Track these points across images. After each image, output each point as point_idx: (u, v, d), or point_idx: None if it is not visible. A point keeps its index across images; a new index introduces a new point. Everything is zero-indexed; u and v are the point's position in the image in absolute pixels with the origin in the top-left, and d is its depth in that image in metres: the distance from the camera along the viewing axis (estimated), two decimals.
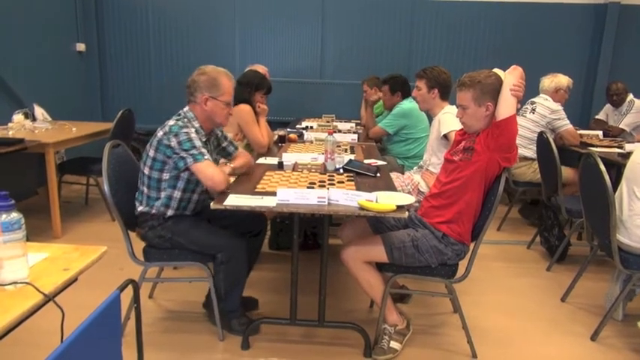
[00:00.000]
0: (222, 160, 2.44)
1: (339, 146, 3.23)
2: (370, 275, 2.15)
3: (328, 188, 2.02)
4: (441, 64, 3.00)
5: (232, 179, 2.22)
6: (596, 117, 4.92)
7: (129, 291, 1.25)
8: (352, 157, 2.84)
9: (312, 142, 3.46)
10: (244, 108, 3.00)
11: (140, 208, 2.21)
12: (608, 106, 4.79)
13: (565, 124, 3.82)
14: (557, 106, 3.84)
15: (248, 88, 3.01)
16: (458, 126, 2.32)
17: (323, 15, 5.56)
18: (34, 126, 3.89)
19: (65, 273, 1.22)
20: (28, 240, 1.17)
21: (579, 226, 3.07)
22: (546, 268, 3.28)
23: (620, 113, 4.64)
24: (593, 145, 3.82)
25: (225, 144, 2.45)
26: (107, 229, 3.74)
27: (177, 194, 2.20)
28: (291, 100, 5.64)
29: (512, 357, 2.27)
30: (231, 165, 2.33)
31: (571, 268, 3.08)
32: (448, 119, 2.76)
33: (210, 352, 2.20)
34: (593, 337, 2.42)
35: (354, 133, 3.95)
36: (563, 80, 3.92)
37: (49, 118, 4.28)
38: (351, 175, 2.39)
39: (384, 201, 1.87)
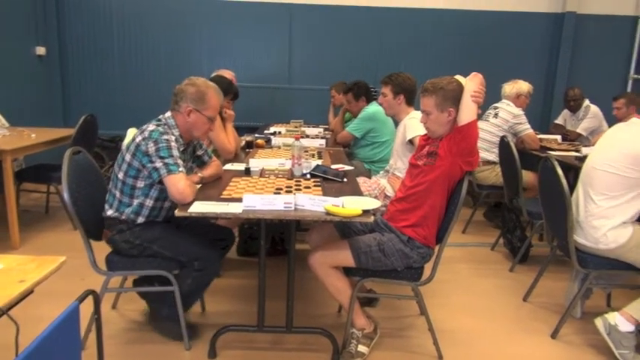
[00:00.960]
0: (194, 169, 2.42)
1: (307, 151, 3.24)
2: (337, 280, 2.16)
3: (295, 194, 2.02)
4: (407, 71, 3.06)
5: (198, 187, 2.20)
6: (555, 122, 5.11)
7: (91, 302, 1.22)
8: (319, 162, 2.85)
9: (279, 147, 3.46)
10: None
11: (110, 212, 2.17)
12: (566, 111, 4.98)
13: (526, 129, 3.94)
14: (519, 111, 3.96)
15: None
16: (423, 131, 2.36)
17: (290, 21, 5.58)
18: None
19: (20, 285, 1.18)
20: None
21: (540, 227, 3.18)
22: (509, 269, 3.37)
23: (577, 118, 4.83)
24: (552, 149, 3.96)
25: (200, 152, 2.43)
26: (68, 239, 3.63)
27: (149, 203, 2.16)
28: (259, 105, 5.63)
29: (477, 357, 2.32)
30: (200, 174, 2.30)
31: (533, 269, 3.17)
32: (413, 124, 2.81)
33: None
34: (554, 335, 2.50)
35: (322, 138, 3.97)
36: (523, 86, 4.05)
37: (7, 124, 4.13)
38: (318, 180, 2.40)
39: (350, 206, 1.89)
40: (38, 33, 5.25)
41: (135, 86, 5.55)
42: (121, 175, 2.13)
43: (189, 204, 1.91)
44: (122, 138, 3.00)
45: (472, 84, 2.02)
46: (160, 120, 2.18)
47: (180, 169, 2.02)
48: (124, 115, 5.29)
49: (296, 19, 5.59)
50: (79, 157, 2.24)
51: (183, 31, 5.54)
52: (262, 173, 2.52)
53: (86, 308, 1.12)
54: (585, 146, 4.04)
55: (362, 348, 2.20)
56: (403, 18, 5.58)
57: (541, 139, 4.21)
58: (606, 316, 2.30)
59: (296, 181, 2.35)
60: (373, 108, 3.79)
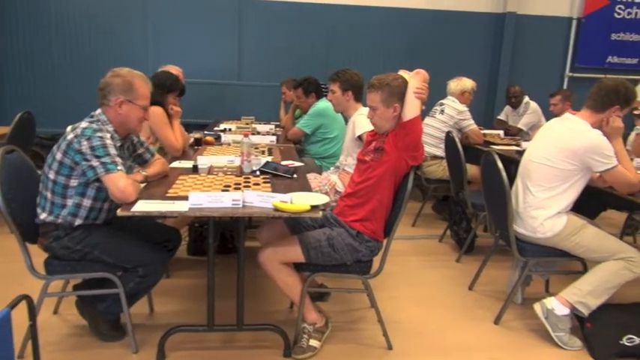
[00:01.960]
0: (136, 168, 2.34)
1: (257, 148, 3.22)
2: (288, 276, 2.16)
3: (243, 191, 2.01)
4: (356, 67, 3.09)
5: (142, 186, 2.14)
6: (498, 117, 5.33)
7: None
8: (269, 158, 2.84)
9: (229, 144, 3.42)
10: (156, 110, 2.89)
11: (43, 216, 2.06)
12: (507, 107, 5.20)
13: (470, 124, 4.09)
14: (463, 107, 4.10)
15: (160, 90, 2.90)
16: (371, 127, 2.40)
17: (240, 16, 5.51)
18: None
19: None
20: None
21: (484, 219, 3.31)
22: (456, 260, 3.49)
23: (518, 114, 5.06)
24: (495, 144, 4.12)
25: (141, 150, 2.35)
26: (4, 243, 3.43)
27: (87, 203, 2.07)
28: (208, 102, 5.53)
29: (425, 345, 2.39)
30: (144, 172, 2.23)
31: (478, 258, 3.29)
32: (362, 121, 2.84)
33: None
34: (497, 321, 2.61)
35: (273, 135, 3.96)
36: (467, 83, 4.19)
37: None
38: (268, 177, 2.39)
39: (298, 202, 1.89)
40: None
41: (76, 83, 5.30)
42: (52, 175, 2.03)
43: (133, 203, 1.86)
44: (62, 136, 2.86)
45: (415, 81, 2.07)
46: (92, 117, 2.09)
47: (119, 167, 1.95)
48: (64, 113, 5.03)
49: (245, 15, 5.52)
50: (12, 156, 2.12)
51: (127, 25, 5.35)
52: (210, 170, 2.48)
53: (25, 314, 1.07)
54: (525, 141, 4.22)
55: (313, 342, 2.22)
56: (351, 15, 5.63)
57: (485, 134, 4.38)
58: (544, 301, 2.43)
59: (245, 178, 2.33)
60: (323, 104, 3.81)
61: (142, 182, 2.15)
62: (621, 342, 2.29)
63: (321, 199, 1.95)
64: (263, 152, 3.13)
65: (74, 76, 5.33)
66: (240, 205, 1.86)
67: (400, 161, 2.10)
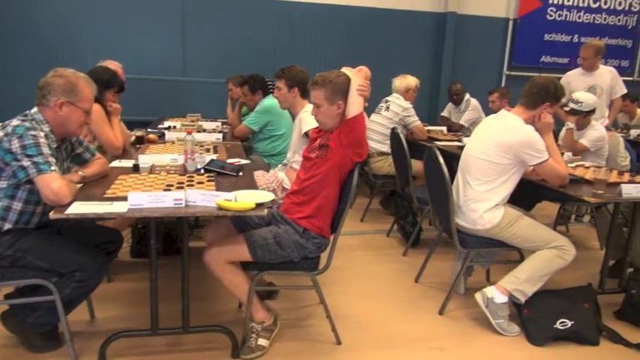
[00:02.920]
0: (74, 168, 2.23)
1: (202, 146, 3.15)
2: (234, 275, 2.13)
3: (186, 190, 1.96)
4: (302, 64, 3.08)
5: (79, 186, 2.04)
6: (441, 114, 5.50)
7: None
8: (215, 156, 2.79)
9: (173, 142, 3.32)
10: (94, 107, 2.76)
11: None
12: (450, 104, 5.38)
13: (415, 121, 4.19)
14: (408, 104, 4.20)
15: (97, 86, 2.77)
16: (317, 124, 2.41)
17: (183, 10, 5.37)
18: None
19: None
20: None
21: (429, 212, 3.40)
22: (403, 253, 3.57)
23: (459, 111, 5.24)
24: (438, 140, 4.25)
25: (80, 150, 2.23)
26: None
27: (17, 206, 1.95)
28: (152, 98, 5.36)
29: (373, 338, 2.43)
30: (81, 173, 2.13)
31: (424, 251, 3.37)
32: (309, 117, 2.83)
33: None
34: (441, 311, 2.70)
35: (220, 132, 3.89)
36: (411, 81, 4.29)
37: None
38: (212, 175, 2.34)
39: (243, 200, 1.87)
40: None
41: (10, 79, 4.98)
42: None
43: (68, 205, 1.77)
44: None
45: (357, 78, 2.09)
46: (25, 115, 1.97)
47: (53, 167, 1.85)
48: None
49: (189, 9, 5.39)
50: None
51: (63, 19, 5.08)
52: (152, 170, 2.40)
53: None
54: (467, 137, 4.37)
55: (262, 341, 2.20)
56: (297, 12, 5.63)
57: (429, 131, 4.50)
58: (484, 290, 2.54)
59: (189, 177, 2.27)
60: (269, 101, 3.78)
61: (79, 183, 2.05)
62: (555, 326, 2.43)
63: (266, 196, 1.94)
64: (208, 150, 3.07)
65: (8, 74, 5.00)
66: (183, 205, 1.81)
67: (345, 158, 2.12)
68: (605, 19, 6.38)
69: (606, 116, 4.44)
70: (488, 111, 4.68)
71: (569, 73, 4.55)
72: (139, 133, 3.32)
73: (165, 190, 2.02)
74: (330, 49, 5.68)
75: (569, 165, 3.08)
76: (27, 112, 1.99)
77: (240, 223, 2.28)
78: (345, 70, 2.18)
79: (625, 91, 4.51)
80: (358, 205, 4.59)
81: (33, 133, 1.87)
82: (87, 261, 2.02)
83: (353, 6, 5.74)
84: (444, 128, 4.85)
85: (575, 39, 6.35)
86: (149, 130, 3.71)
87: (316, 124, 2.38)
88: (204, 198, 1.84)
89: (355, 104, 2.08)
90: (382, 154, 4.13)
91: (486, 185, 2.52)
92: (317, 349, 2.32)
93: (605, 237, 2.93)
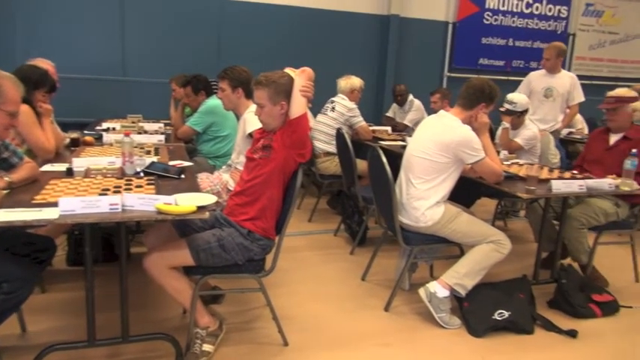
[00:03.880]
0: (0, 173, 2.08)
1: (142, 148, 3.05)
2: (176, 281, 2.08)
3: (123, 194, 1.88)
4: (246, 64, 3.04)
5: (5, 193, 1.91)
6: (386, 114, 5.61)
7: None
8: (156, 159, 2.71)
9: (111, 144, 3.19)
10: (22, 108, 2.59)
11: None
12: (394, 104, 5.51)
13: (359, 121, 4.25)
14: (353, 105, 4.25)
15: (25, 86, 2.61)
16: (259, 125, 2.38)
17: (122, 7, 5.17)
18: None
19: None
20: None
21: (374, 211, 3.46)
22: (350, 252, 3.61)
23: (404, 111, 5.38)
24: (383, 139, 4.33)
25: (6, 154, 2.09)
26: None
27: None
28: (90, 99, 5.13)
29: (320, 338, 2.44)
30: (8, 178, 1.99)
31: (370, 250, 3.43)
32: (253, 118, 2.80)
33: None
34: (387, 308, 2.75)
35: (162, 134, 3.78)
36: (356, 82, 4.35)
37: None
38: (152, 178, 2.27)
39: (183, 203, 1.82)
40: None
41: None
42: None
43: None
44: None
45: (300, 79, 2.10)
46: None
47: None
48: None
49: (128, 6, 5.20)
50: None
51: None
52: (87, 173, 2.29)
53: None
54: (410, 136, 4.49)
55: (207, 347, 2.16)
56: (241, 11, 5.57)
57: (374, 131, 4.58)
58: (427, 285, 2.61)
59: (127, 180, 2.19)
60: (213, 102, 3.71)
61: (4, 189, 1.92)
62: (493, 317, 2.53)
63: (208, 199, 1.90)
64: (149, 152, 2.97)
65: None
66: (119, 210, 1.74)
67: (288, 159, 2.12)
68: (537, 24, 6.75)
69: (559, 120, 4.55)
70: (431, 111, 4.83)
71: (532, 73, 4.68)
72: (74, 135, 3.16)
73: (100, 194, 1.93)
74: (274, 50, 5.65)
75: (505, 163, 3.23)
76: None
77: (183, 227, 2.23)
78: (289, 70, 2.18)
79: (583, 99, 4.54)
80: (306, 205, 4.60)
81: None
82: (14, 271, 1.89)
83: (298, 7, 5.74)
84: (389, 128, 4.96)
85: (510, 43, 6.67)
86: (85, 132, 3.55)
87: (260, 125, 2.36)
88: (143, 202, 1.78)
89: (298, 105, 2.08)
90: (329, 154, 4.16)
91: (427, 183, 2.59)
92: (264, 351, 2.30)
93: (538, 231, 3.09)
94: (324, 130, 4.20)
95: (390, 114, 5.54)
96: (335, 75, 4.43)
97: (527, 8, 6.64)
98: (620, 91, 3.14)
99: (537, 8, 6.69)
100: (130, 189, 2.04)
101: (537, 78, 4.56)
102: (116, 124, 4.18)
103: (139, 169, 2.37)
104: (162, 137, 3.57)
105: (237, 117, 3.14)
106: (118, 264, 2.92)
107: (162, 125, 4.29)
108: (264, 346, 2.33)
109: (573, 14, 6.91)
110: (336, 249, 3.71)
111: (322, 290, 2.98)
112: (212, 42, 5.54)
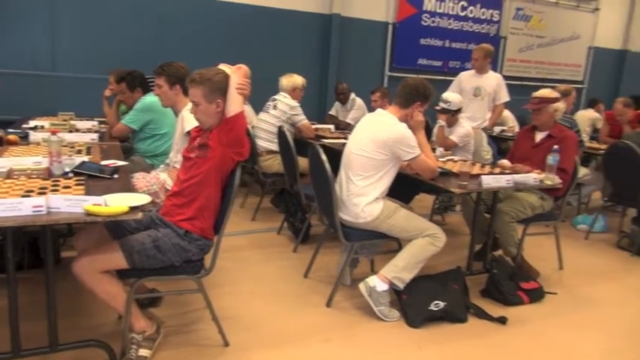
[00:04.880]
0: None
1: (73, 147, 2.91)
2: (109, 285, 2.00)
3: (48, 195, 1.79)
4: (185, 61, 2.97)
5: None
6: (329, 113, 5.66)
7: None
8: (87, 158, 2.59)
9: (38, 143, 3.02)
10: None
11: None
12: (337, 103, 5.56)
13: (302, 119, 4.27)
14: (295, 103, 4.26)
15: None
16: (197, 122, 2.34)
17: None
18: None
19: None
20: None
21: (316, 208, 3.48)
22: (293, 250, 3.62)
23: (346, 109, 5.44)
24: (325, 137, 4.37)
25: None
26: None
27: None
28: (16, 95, 4.81)
29: (262, 337, 2.43)
30: None
31: (313, 247, 3.44)
32: (191, 116, 2.75)
33: None
34: (328, 304, 2.78)
35: (96, 132, 3.61)
36: (298, 80, 4.36)
37: None
38: (82, 178, 2.17)
39: (115, 203, 1.76)
40: None
41: None
42: None
43: None
44: None
45: (236, 76, 2.08)
46: None
47: None
48: None
49: None
50: None
51: None
52: (10, 174, 2.16)
53: None
54: None
55: (143, 352, 2.10)
56: (183, 6, 5.43)
57: (316, 129, 4.61)
58: (367, 280, 2.67)
59: (53, 181, 2.08)
60: (151, 98, 3.58)
61: None
62: (430, 308, 2.63)
63: (141, 199, 1.84)
64: (80, 152, 2.83)
65: None
66: (44, 212, 1.65)
67: (225, 157, 2.09)
68: (471, 26, 7.05)
69: (487, 118, 4.84)
70: (372, 110, 4.88)
71: (462, 73, 4.93)
72: None
73: (23, 196, 1.82)
74: (216, 47, 5.54)
75: (441, 159, 3.35)
76: None
77: (116, 229, 2.15)
78: (224, 67, 2.15)
79: (508, 99, 4.83)
80: (249, 204, 4.56)
81: None
82: None
83: (241, 4, 5.67)
84: (332, 126, 5.01)
85: (447, 44, 6.93)
86: (10, 130, 3.32)
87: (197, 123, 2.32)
88: (70, 203, 1.70)
89: (235, 102, 2.06)
90: (271, 152, 4.15)
91: (366, 180, 2.65)
92: (204, 353, 2.26)
93: (471, 224, 3.24)
94: (266, 129, 4.18)
95: (333, 112, 5.60)
96: (277, 73, 4.41)
97: (462, 11, 6.92)
98: (544, 92, 3.34)
99: (472, 11, 6.99)
100: (57, 190, 1.94)
101: (467, 78, 4.80)
102: (45, 122, 3.95)
103: (67, 170, 2.26)
104: (95, 136, 3.42)
105: (176, 114, 3.06)
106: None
107: (96, 123, 4.10)
108: (204, 348, 2.30)
109: (504, 18, 7.27)
110: (279, 247, 3.70)
111: (264, 289, 2.97)
112: (151, 37, 5.36)
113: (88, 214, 1.68)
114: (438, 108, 3.80)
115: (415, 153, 2.61)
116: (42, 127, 3.73)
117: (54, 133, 2.26)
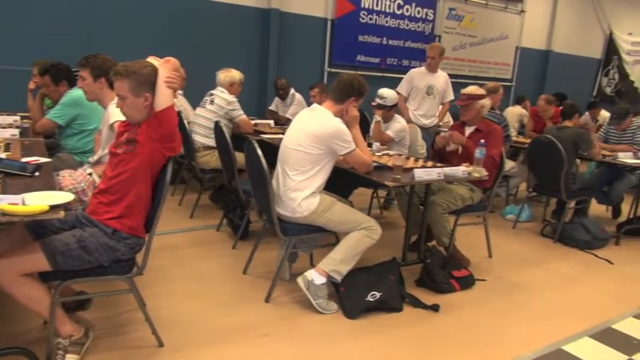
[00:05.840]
0: None
1: None
2: (30, 289, 1.89)
3: None
4: (120, 54, 2.83)
5: None
6: (269, 108, 5.64)
7: None
8: (5, 155, 2.43)
9: None
10: None
11: None
12: (277, 98, 5.55)
13: (240, 114, 4.21)
14: (233, 98, 4.20)
15: None
16: (123, 117, 2.25)
17: None
18: None
19: None
20: None
21: (255, 204, 3.46)
22: (232, 247, 3.58)
23: (286, 105, 5.45)
24: (265, 133, 4.35)
25: None
26: None
27: None
28: None
29: (199, 336, 2.40)
30: None
31: (253, 243, 3.43)
32: (116, 110, 2.65)
33: None
34: (267, 299, 2.78)
35: (17, 127, 3.39)
36: (236, 75, 4.30)
37: None
38: None
39: (33, 202, 1.66)
40: None
41: None
42: None
43: None
44: None
45: (164, 70, 2.01)
46: None
47: None
48: None
49: None
50: None
51: None
52: None
53: None
54: None
55: (71, 357, 2.01)
56: None
57: (255, 124, 4.58)
58: (305, 274, 2.69)
59: None
60: (78, 92, 3.39)
61: None
62: (367, 299, 2.69)
63: (63, 197, 1.75)
64: None
65: None
66: None
67: (155, 153, 2.03)
68: (407, 24, 7.24)
69: (436, 115, 5.08)
70: (311, 105, 4.95)
71: (413, 70, 5.06)
72: None
73: None
74: (151, 40, 5.34)
75: (377, 154, 3.44)
76: None
77: (38, 230, 2.03)
78: (152, 59, 2.08)
79: (452, 97, 5.00)
80: (187, 201, 4.46)
81: None
82: None
83: None
84: (272, 122, 4.99)
85: (384, 41, 7.07)
86: None
87: (122, 117, 2.23)
88: None
89: (164, 96, 1.99)
90: (208, 148, 4.07)
91: (303, 175, 2.66)
92: (137, 355, 2.20)
93: (405, 216, 3.34)
94: (203, 124, 4.10)
95: (272, 107, 5.58)
96: (216, 68, 4.33)
97: (398, 9, 7.08)
98: (471, 89, 3.51)
99: (407, 10, 7.17)
100: None
101: (419, 76, 4.96)
102: None
103: None
104: (16, 131, 3.21)
105: (104, 108, 2.93)
106: None
107: (17, 118, 3.84)
108: (137, 350, 2.23)
109: (439, 17, 7.53)
110: (219, 244, 3.65)
111: (202, 287, 2.92)
112: (80, 29, 5.08)
113: (4, 213, 1.58)
114: (374, 104, 3.88)
115: (350, 147, 2.65)
116: None
117: None
